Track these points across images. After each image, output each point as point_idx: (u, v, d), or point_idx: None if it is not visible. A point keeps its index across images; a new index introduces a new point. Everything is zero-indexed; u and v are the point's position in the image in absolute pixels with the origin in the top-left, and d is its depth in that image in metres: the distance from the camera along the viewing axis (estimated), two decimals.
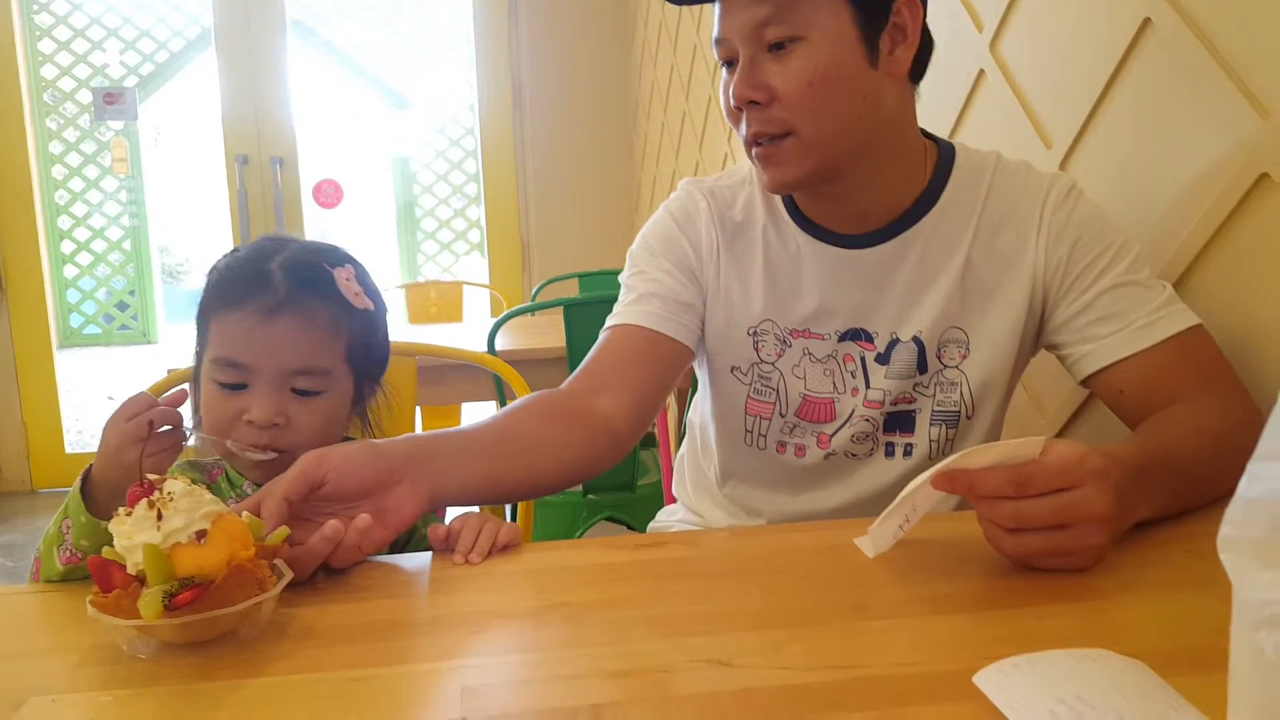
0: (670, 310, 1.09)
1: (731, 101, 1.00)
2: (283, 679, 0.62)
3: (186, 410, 0.86)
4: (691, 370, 1.23)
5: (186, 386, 0.90)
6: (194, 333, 1.01)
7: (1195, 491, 0.84)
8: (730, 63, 1.01)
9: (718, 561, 0.85)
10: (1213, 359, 0.98)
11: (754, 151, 1.02)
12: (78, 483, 0.84)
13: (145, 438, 0.80)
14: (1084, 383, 1.03)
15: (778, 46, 0.96)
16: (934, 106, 1.59)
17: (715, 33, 1.01)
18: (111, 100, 4.02)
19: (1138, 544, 0.80)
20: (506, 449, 0.95)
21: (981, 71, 1.45)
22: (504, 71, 4.09)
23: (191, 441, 0.84)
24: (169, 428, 0.83)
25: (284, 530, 0.73)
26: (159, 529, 0.64)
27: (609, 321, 1.13)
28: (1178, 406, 0.94)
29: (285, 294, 0.94)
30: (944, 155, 1.08)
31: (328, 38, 5.31)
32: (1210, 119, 1.02)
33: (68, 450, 3.97)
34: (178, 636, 0.65)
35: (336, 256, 1.00)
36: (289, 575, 0.70)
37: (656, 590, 0.77)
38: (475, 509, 0.92)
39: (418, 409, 1.98)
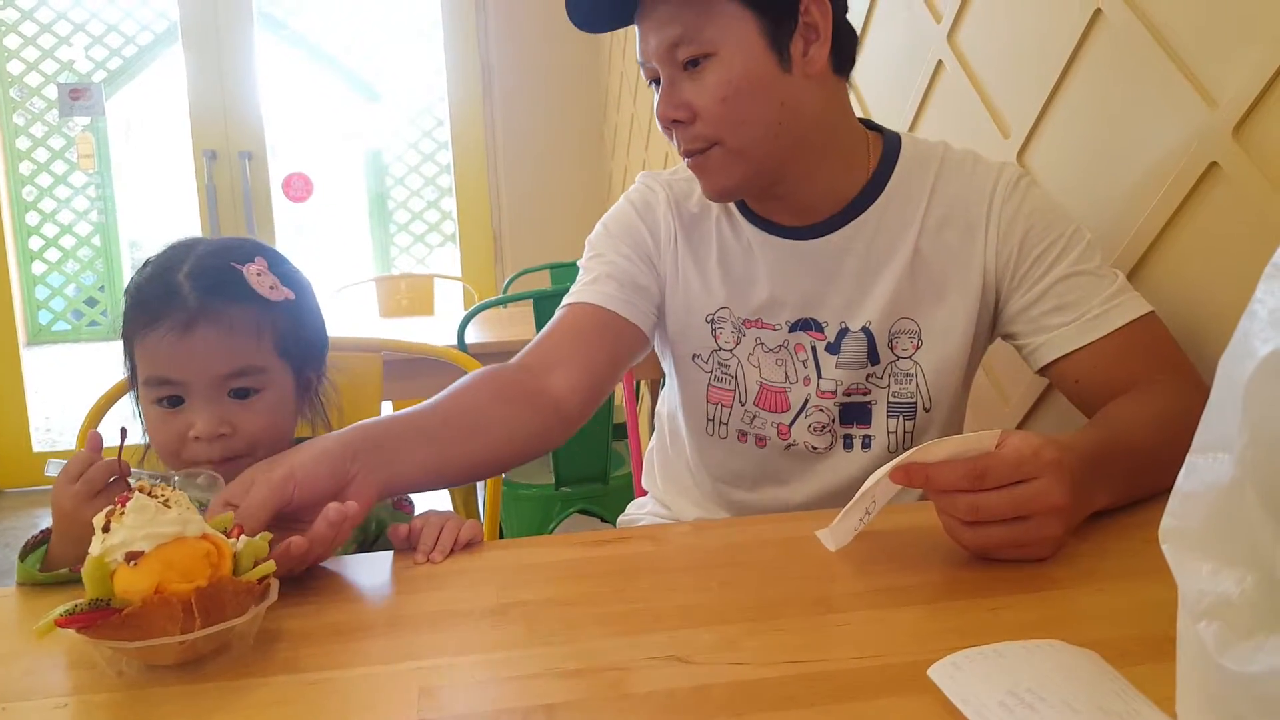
0: (626, 292, 1.10)
1: (658, 121, 1.03)
2: (237, 683, 0.62)
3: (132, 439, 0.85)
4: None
5: (98, 431, 0.87)
6: (124, 356, 0.99)
7: (1152, 478, 0.85)
8: (655, 82, 1.03)
9: (679, 556, 0.85)
10: (1166, 346, 0.99)
11: (688, 163, 1.05)
12: (22, 558, 0.83)
13: (97, 494, 0.80)
14: (1040, 372, 1.04)
15: (693, 64, 0.98)
16: (893, 98, 1.60)
17: (638, 56, 1.04)
18: (77, 96, 3.97)
19: (1095, 533, 0.81)
20: (454, 430, 0.94)
21: (940, 62, 1.46)
22: (473, 61, 4.07)
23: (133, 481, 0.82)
24: (115, 479, 0.82)
25: (265, 536, 0.70)
26: (102, 543, 0.63)
27: (565, 300, 1.13)
28: (1132, 394, 0.95)
29: (196, 304, 0.91)
30: (889, 146, 1.08)
31: (297, 30, 5.25)
32: (1161, 109, 1.04)
33: (35, 449, 3.92)
34: (170, 658, 0.63)
35: (244, 252, 0.96)
36: (271, 598, 0.68)
37: (616, 587, 0.77)
38: (441, 508, 0.92)
39: (388, 404, 1.97)
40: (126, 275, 5.89)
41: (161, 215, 5.63)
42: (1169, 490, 0.79)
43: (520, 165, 4.12)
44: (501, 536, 2.33)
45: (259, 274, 0.94)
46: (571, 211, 4.12)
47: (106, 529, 0.64)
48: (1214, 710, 0.43)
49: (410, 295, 3.70)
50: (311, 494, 0.78)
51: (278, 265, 0.98)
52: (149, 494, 0.65)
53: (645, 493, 1.38)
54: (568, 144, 4.14)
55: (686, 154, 1.03)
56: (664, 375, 1.26)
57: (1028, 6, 1.27)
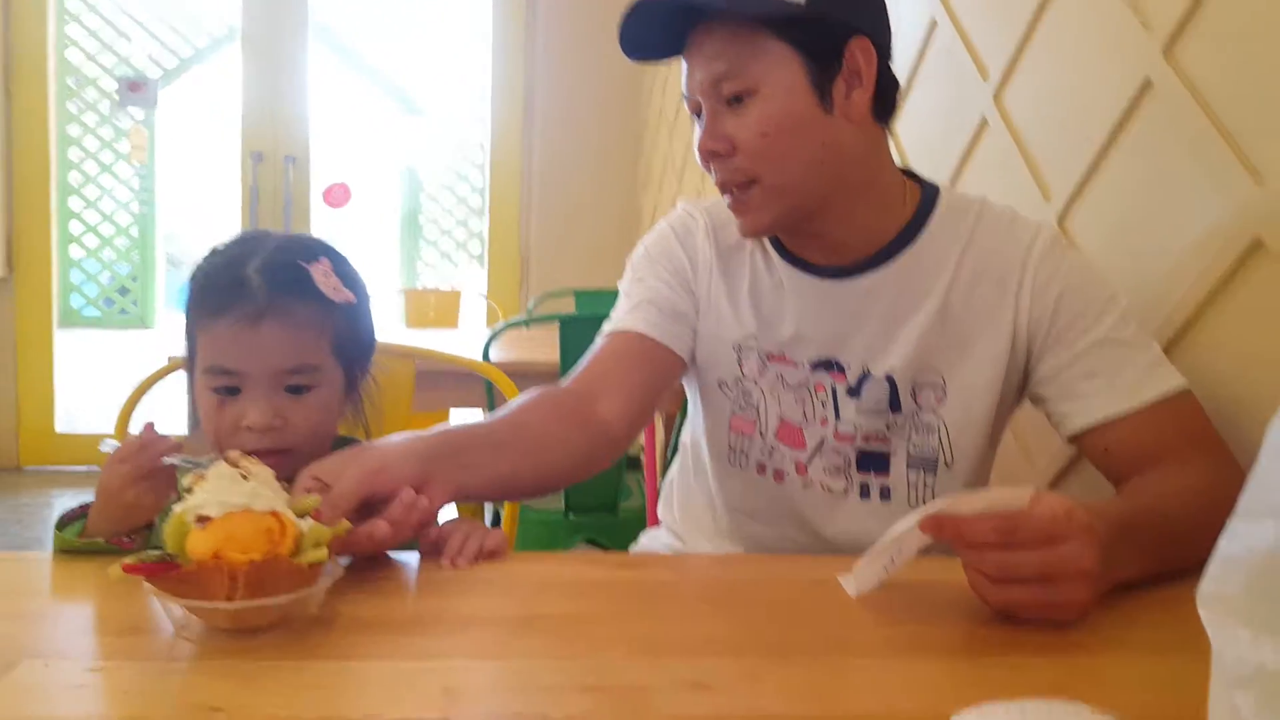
0: (665, 319, 1.12)
1: (698, 154, 1.05)
2: (271, 663, 0.63)
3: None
4: (682, 393, 1.24)
5: (152, 423, 0.90)
6: (184, 339, 1.02)
7: (1181, 553, 0.84)
8: (698, 115, 1.05)
9: (699, 586, 0.86)
10: (1199, 422, 0.99)
11: (727, 201, 1.06)
12: (60, 527, 0.87)
13: (142, 477, 0.83)
14: (1069, 439, 1.04)
15: (736, 100, 1.00)
16: (934, 151, 1.61)
17: (682, 88, 1.06)
18: (135, 89, 4.05)
19: (1122, 602, 0.80)
20: (522, 446, 0.98)
21: (984, 120, 1.47)
22: (518, 87, 4.12)
23: (177, 461, 0.84)
24: (166, 464, 0.84)
25: (344, 524, 0.74)
26: (182, 501, 0.67)
27: (606, 327, 1.15)
28: (1164, 467, 0.94)
29: (265, 299, 0.94)
30: (927, 196, 1.09)
31: (348, 43, 5.35)
32: (1206, 181, 1.04)
33: (57, 429, 3.96)
34: (221, 622, 0.67)
35: (312, 251, 0.99)
36: (324, 585, 0.71)
37: (637, 609, 0.78)
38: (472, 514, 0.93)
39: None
40: (160, 266, 5.98)
41: (200, 211, 5.71)
42: (1198, 567, 0.79)
43: (554, 190, 4.16)
44: None
45: (325, 274, 0.96)
46: (599, 240, 4.15)
47: (190, 490, 0.67)
48: None
49: (437, 308, 3.73)
50: (395, 488, 0.82)
51: (341, 267, 1.00)
52: (234, 464, 0.67)
53: (659, 523, 1.38)
54: (602, 174, 4.18)
55: (722, 186, 1.05)
56: (684, 405, 1.27)
57: (1076, 71, 1.28)
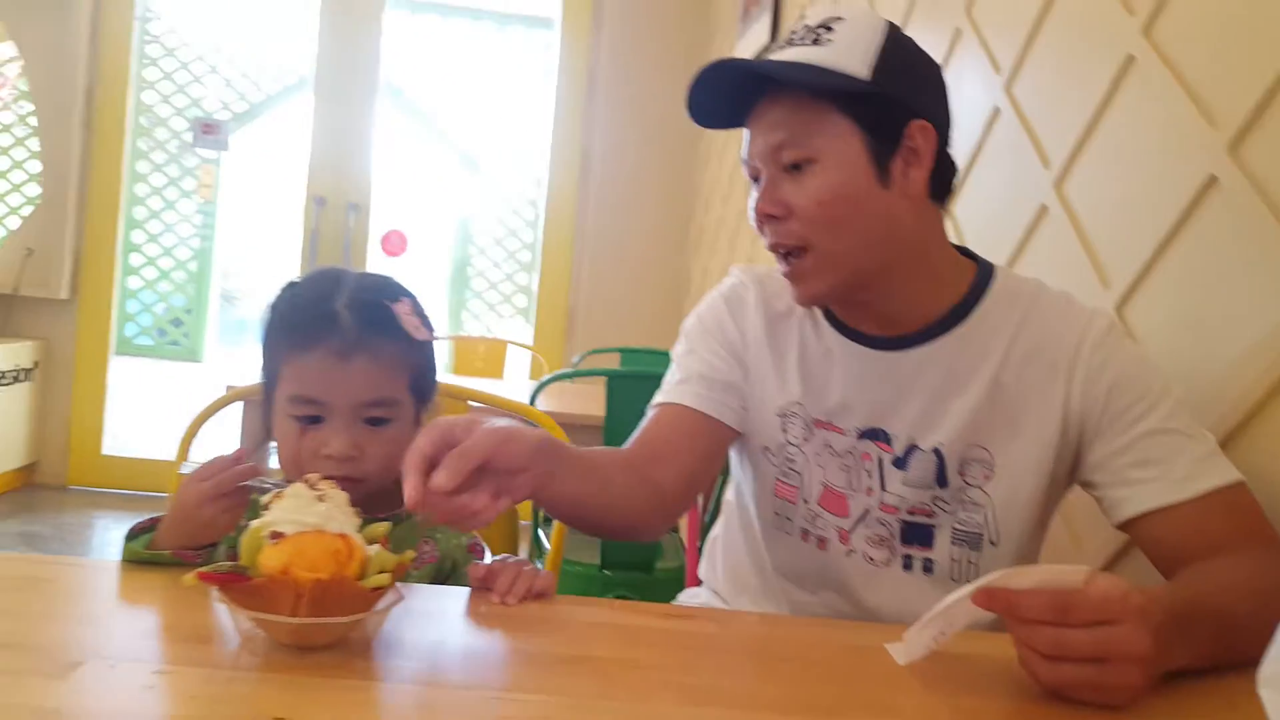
0: (715, 391, 1.14)
1: (753, 216, 1.08)
2: (325, 680, 0.64)
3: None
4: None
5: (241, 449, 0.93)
6: (261, 366, 1.06)
7: (1235, 645, 0.82)
8: (756, 180, 1.09)
9: (745, 642, 0.86)
10: (1255, 516, 0.98)
11: (781, 268, 1.08)
12: (130, 538, 0.90)
13: (221, 496, 0.86)
14: (1120, 527, 1.03)
15: (795, 167, 1.03)
16: (992, 234, 1.63)
17: (743, 153, 1.10)
18: (209, 130, 4.19)
19: (1174, 690, 0.78)
20: (598, 478, 1.01)
21: (1044, 207, 1.49)
22: (575, 148, 4.21)
23: (253, 483, 0.88)
24: (245, 486, 0.88)
25: (409, 555, 0.76)
26: (260, 516, 0.70)
27: (657, 398, 1.17)
28: (1220, 559, 0.93)
29: (355, 335, 0.99)
30: (982, 274, 1.11)
31: (413, 98, 5.51)
32: (1269, 280, 1.04)
33: (104, 452, 4.04)
34: (284, 637, 0.69)
35: (393, 291, 1.05)
36: (396, 600, 0.73)
37: (683, 659, 0.78)
38: (513, 557, 0.95)
39: None
40: (214, 302, 6.12)
41: (258, 251, 5.85)
42: (1253, 661, 0.78)
43: (605, 250, 4.22)
44: None
45: (407, 314, 1.01)
46: (647, 300, 4.19)
47: (267, 508, 0.69)
48: None
49: (485, 358, 3.78)
50: (507, 464, 0.83)
51: (419, 308, 1.05)
52: (311, 486, 0.69)
53: (700, 583, 1.38)
54: (653, 236, 4.23)
55: (774, 248, 1.07)
56: (729, 463, 1.28)
57: (1140, 163, 1.29)
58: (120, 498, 3.92)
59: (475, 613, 0.84)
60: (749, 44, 3.26)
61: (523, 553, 2.31)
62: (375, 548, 0.72)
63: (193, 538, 0.86)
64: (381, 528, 0.76)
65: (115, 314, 4.07)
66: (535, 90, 4.54)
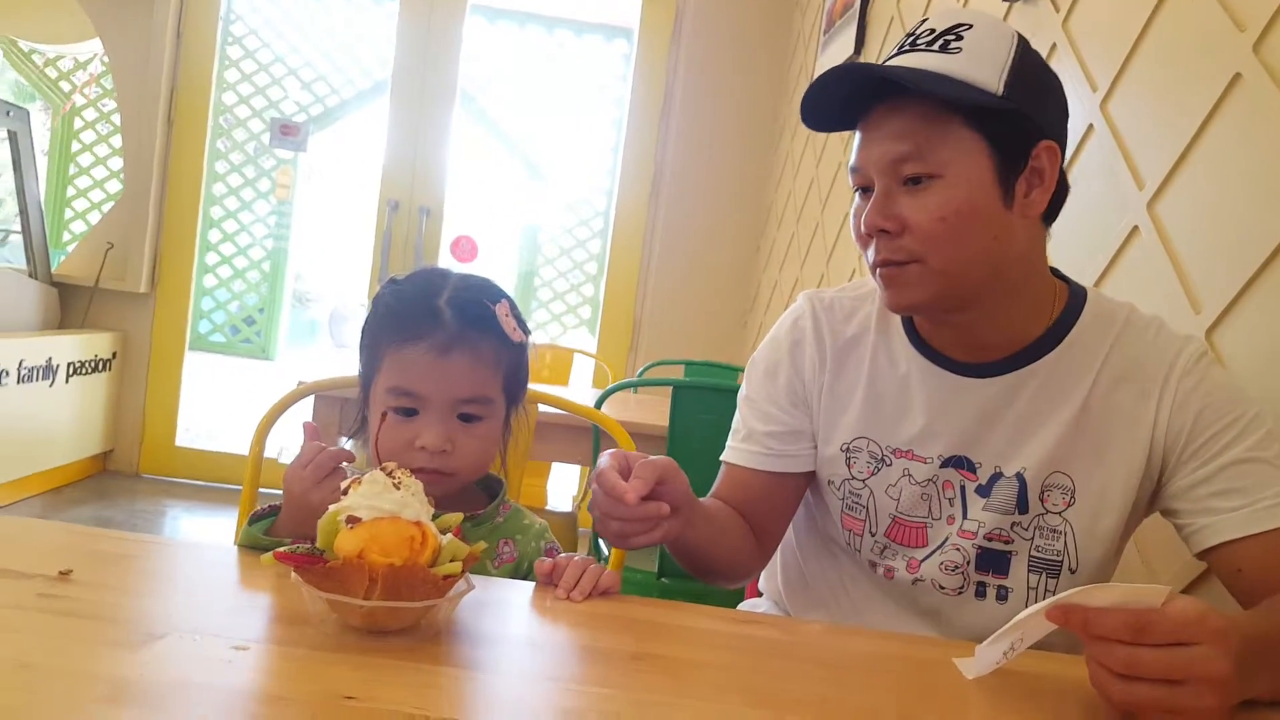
0: (778, 443, 1.14)
1: (862, 228, 1.02)
2: (398, 664, 0.65)
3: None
4: None
5: (312, 422, 0.96)
6: (360, 358, 1.09)
7: None
8: (864, 189, 1.04)
9: (811, 649, 0.85)
10: None
11: (879, 271, 1.03)
12: (250, 523, 0.93)
13: (326, 478, 0.88)
14: (1200, 556, 1.00)
15: (914, 181, 0.98)
16: (1081, 252, 1.59)
17: (853, 161, 1.04)
18: (287, 132, 4.29)
19: (1253, 716, 0.76)
20: (717, 526, 1.09)
21: (1135, 228, 1.46)
22: (649, 159, 4.22)
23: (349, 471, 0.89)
24: (340, 466, 0.90)
25: (481, 544, 0.77)
26: (339, 501, 0.71)
27: (726, 455, 1.18)
28: None
29: (456, 331, 1.01)
30: (1074, 298, 1.08)
31: (483, 106, 5.59)
32: None
33: (177, 443, 4.15)
34: (356, 619, 0.70)
35: (493, 293, 1.07)
36: (466, 589, 0.74)
37: (752, 663, 0.78)
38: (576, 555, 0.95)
39: None
40: (287, 302, 6.26)
41: (331, 254, 5.97)
42: None
43: (673, 263, 4.22)
44: None
45: (505, 315, 1.03)
46: (713, 314, 4.18)
47: (346, 492, 0.70)
48: None
49: (551, 366, 3.80)
50: (671, 499, 0.92)
51: (515, 311, 1.07)
52: (389, 474, 0.70)
53: (760, 594, 1.37)
54: (722, 251, 4.22)
55: (881, 264, 1.02)
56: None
57: (1237, 187, 1.25)
58: (191, 488, 4.02)
59: (541, 606, 0.84)
60: (832, 57, 3.24)
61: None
62: (448, 536, 0.72)
63: (307, 524, 0.87)
64: (455, 517, 0.76)
65: (191, 310, 4.18)
66: (609, 100, 4.57)
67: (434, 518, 0.75)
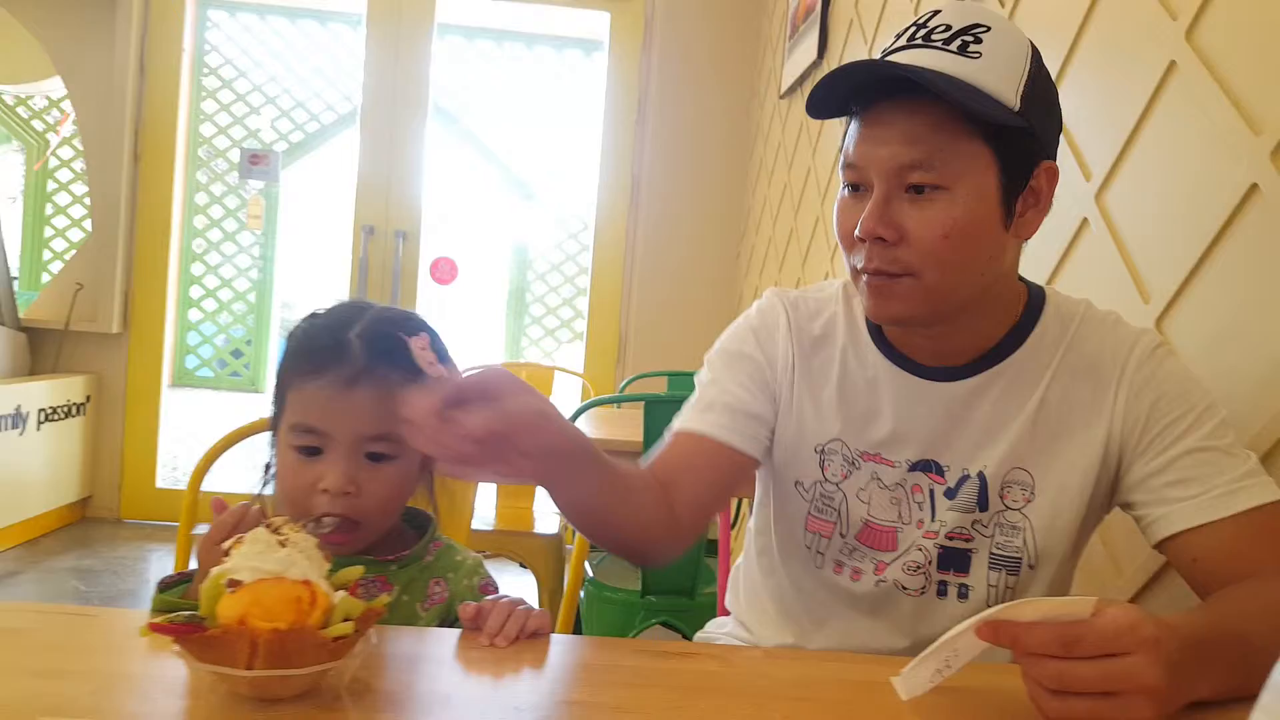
0: (737, 421, 1.09)
1: (857, 231, 0.97)
2: None
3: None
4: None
5: (220, 498, 0.91)
6: (272, 397, 1.04)
7: (1256, 673, 0.77)
8: (855, 186, 1.00)
9: (744, 681, 0.82)
10: None
11: (865, 280, 0.99)
12: (162, 589, 0.89)
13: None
14: (1157, 547, 0.98)
15: (917, 190, 0.94)
16: (1034, 248, 1.57)
17: (850, 156, 0.99)
18: (256, 161, 4.28)
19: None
20: (620, 490, 0.97)
21: (1085, 220, 1.43)
22: (625, 173, 4.21)
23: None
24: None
25: (383, 598, 0.73)
26: (220, 565, 0.67)
27: (676, 424, 1.12)
28: (1252, 582, 0.88)
29: (363, 364, 0.96)
30: (1034, 298, 1.07)
31: (467, 126, 5.58)
32: None
33: (158, 485, 4.10)
34: (243, 689, 0.66)
35: (412, 325, 1.02)
36: (365, 649, 0.70)
37: (681, 701, 0.75)
38: (508, 595, 0.92)
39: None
40: (274, 333, 6.24)
41: (314, 281, 5.95)
42: None
43: (655, 274, 4.21)
44: (579, 632, 2.30)
45: (422, 348, 0.97)
46: (698, 323, 4.16)
47: (227, 554, 0.67)
48: None
49: (530, 383, 3.78)
50: (531, 444, 0.81)
51: (437, 344, 1.01)
52: (274, 530, 0.67)
53: (729, 613, 1.35)
54: (704, 259, 4.21)
55: (874, 273, 0.98)
56: (756, 493, 1.24)
57: (1181, 173, 1.23)
58: (174, 530, 3.98)
59: (464, 657, 0.81)
60: (798, 62, 3.23)
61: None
62: (343, 594, 0.69)
63: None
64: (354, 572, 0.73)
65: (172, 347, 4.16)
66: (588, 113, 4.56)
67: (337, 568, 0.72)
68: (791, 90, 3.39)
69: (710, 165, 4.18)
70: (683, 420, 1.12)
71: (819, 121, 3.00)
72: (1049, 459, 1.02)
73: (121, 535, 3.88)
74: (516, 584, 1.22)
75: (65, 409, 3.79)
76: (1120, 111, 1.35)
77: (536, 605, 0.94)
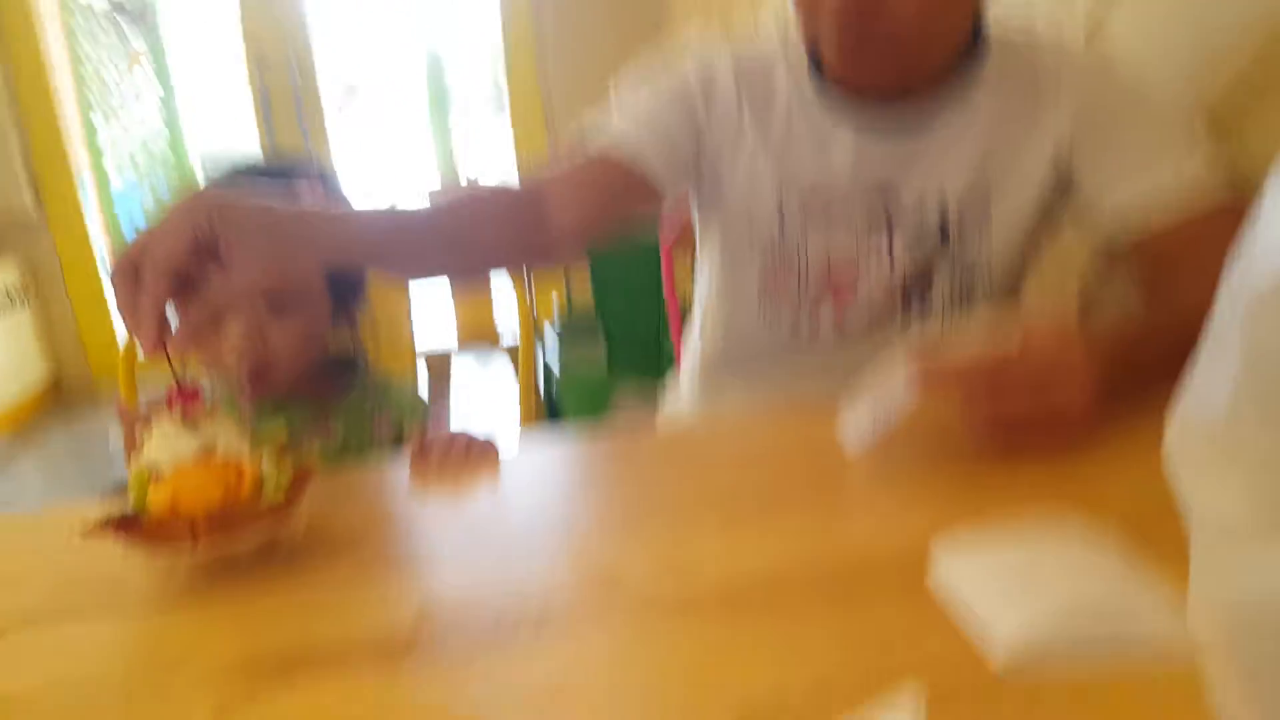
0: (658, 141, 1.02)
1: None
2: (239, 606, 0.63)
3: None
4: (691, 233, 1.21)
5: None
6: None
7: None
8: None
9: (679, 453, 0.86)
10: (1226, 237, 0.92)
11: (841, 40, 0.93)
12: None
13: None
14: (1108, 249, 1.02)
15: None
16: None
17: None
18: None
19: (1126, 413, 0.77)
20: (441, 241, 0.91)
21: None
22: None
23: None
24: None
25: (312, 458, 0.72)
26: (140, 455, 0.66)
27: (584, 133, 1.05)
28: (1197, 277, 0.88)
29: None
30: (977, 20, 1.02)
31: None
32: None
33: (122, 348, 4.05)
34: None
35: (299, 172, 0.99)
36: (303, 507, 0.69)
37: (632, 474, 0.80)
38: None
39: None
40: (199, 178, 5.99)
41: (224, 127, 5.67)
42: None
43: (570, 45, 3.98)
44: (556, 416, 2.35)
45: (311, 194, 0.94)
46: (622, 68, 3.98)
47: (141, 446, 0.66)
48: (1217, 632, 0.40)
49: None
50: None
51: (332, 188, 0.99)
52: (181, 415, 0.66)
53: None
54: (619, 18, 3.95)
55: (847, 30, 0.91)
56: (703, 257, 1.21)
57: None
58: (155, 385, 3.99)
59: (414, 487, 0.82)
60: None
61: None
62: (269, 461, 0.68)
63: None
64: (277, 432, 0.72)
65: (101, 220, 3.98)
66: None
67: (260, 426, 0.72)
68: None
69: None
70: (586, 129, 1.05)
71: None
72: (1002, 184, 1.02)
73: (103, 400, 3.92)
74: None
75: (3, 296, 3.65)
76: None
77: None
